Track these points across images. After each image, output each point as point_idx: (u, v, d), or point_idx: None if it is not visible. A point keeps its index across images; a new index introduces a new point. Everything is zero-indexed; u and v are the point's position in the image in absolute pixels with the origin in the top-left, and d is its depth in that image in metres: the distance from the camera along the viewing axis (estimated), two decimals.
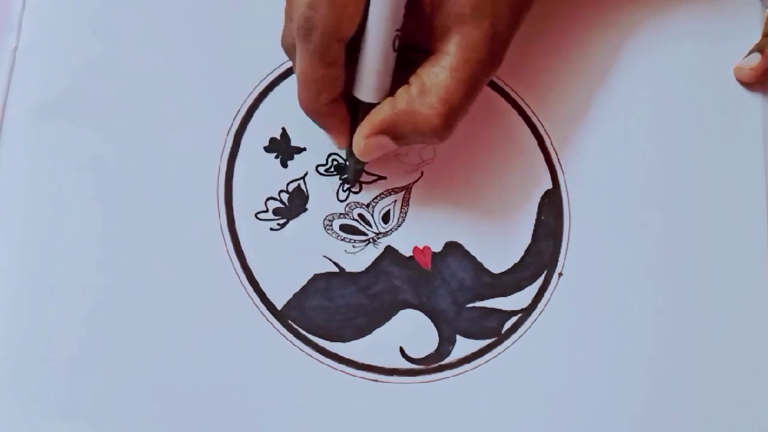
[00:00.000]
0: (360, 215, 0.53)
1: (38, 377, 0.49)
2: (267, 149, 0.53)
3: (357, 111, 0.49)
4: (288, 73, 0.54)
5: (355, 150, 0.50)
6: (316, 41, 0.46)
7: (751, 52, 0.55)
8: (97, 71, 0.53)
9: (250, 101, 0.53)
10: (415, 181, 0.53)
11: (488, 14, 0.47)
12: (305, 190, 0.53)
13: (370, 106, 0.49)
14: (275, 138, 0.53)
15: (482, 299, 0.52)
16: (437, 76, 0.47)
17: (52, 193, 0.51)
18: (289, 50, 0.50)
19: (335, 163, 0.53)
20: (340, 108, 0.49)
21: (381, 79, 0.48)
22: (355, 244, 0.52)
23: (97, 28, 0.53)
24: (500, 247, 0.53)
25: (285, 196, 0.53)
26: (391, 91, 0.49)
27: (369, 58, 0.48)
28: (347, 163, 0.52)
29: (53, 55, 0.53)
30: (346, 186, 0.53)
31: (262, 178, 0.53)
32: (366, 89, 0.49)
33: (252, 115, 0.53)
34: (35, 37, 0.53)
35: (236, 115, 0.53)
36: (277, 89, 0.54)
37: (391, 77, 0.49)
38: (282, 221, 0.52)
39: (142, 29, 0.54)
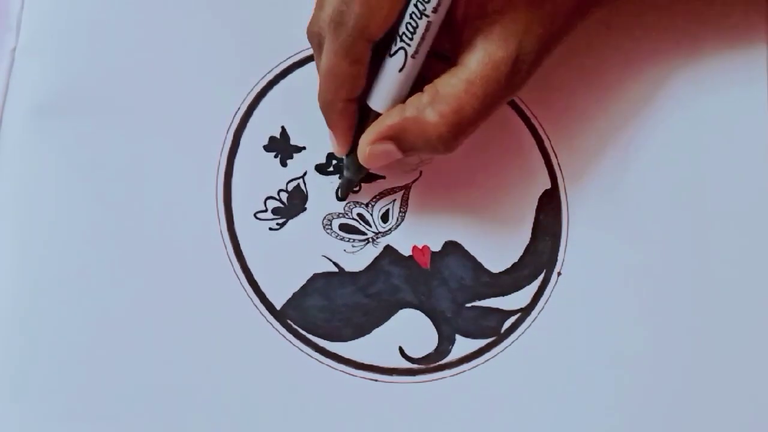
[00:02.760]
0: (359, 215, 0.53)
1: (36, 377, 0.49)
2: (266, 148, 0.53)
3: (365, 120, 0.49)
4: (287, 71, 0.54)
5: (360, 155, 0.49)
6: (344, 36, 0.46)
7: None
8: (95, 71, 0.53)
9: (249, 99, 0.53)
10: (415, 181, 0.53)
11: (517, 38, 0.47)
12: (304, 190, 0.53)
13: (378, 116, 0.48)
14: (275, 137, 0.53)
15: (481, 299, 0.52)
16: (453, 87, 0.47)
17: (50, 193, 0.51)
18: (312, 38, 0.49)
19: (335, 162, 0.53)
20: (351, 110, 0.49)
21: (398, 93, 0.48)
22: (354, 244, 0.52)
23: (95, 28, 0.53)
24: (499, 247, 0.53)
25: (284, 196, 0.52)
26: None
27: (390, 68, 0.47)
28: (343, 173, 0.52)
29: (52, 55, 0.53)
30: (337, 200, 0.53)
31: (261, 178, 0.52)
32: (380, 99, 0.48)
33: (251, 114, 0.53)
34: (34, 38, 0.53)
35: (236, 114, 0.53)
36: (276, 88, 0.54)
37: (407, 92, 0.48)
38: (281, 221, 0.52)
39: (141, 28, 0.53)
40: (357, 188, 0.53)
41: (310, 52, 0.54)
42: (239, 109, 0.53)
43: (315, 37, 0.49)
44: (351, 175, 0.51)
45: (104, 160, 0.51)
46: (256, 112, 0.53)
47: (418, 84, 0.48)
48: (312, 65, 0.54)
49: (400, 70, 0.47)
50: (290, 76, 0.54)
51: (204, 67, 0.53)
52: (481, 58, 0.47)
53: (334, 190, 0.53)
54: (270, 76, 0.54)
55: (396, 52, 0.47)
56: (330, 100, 0.49)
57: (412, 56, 0.47)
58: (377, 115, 0.49)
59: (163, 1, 0.54)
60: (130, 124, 0.52)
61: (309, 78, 0.53)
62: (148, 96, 0.53)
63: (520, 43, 0.47)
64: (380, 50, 0.48)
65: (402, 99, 0.48)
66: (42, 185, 0.51)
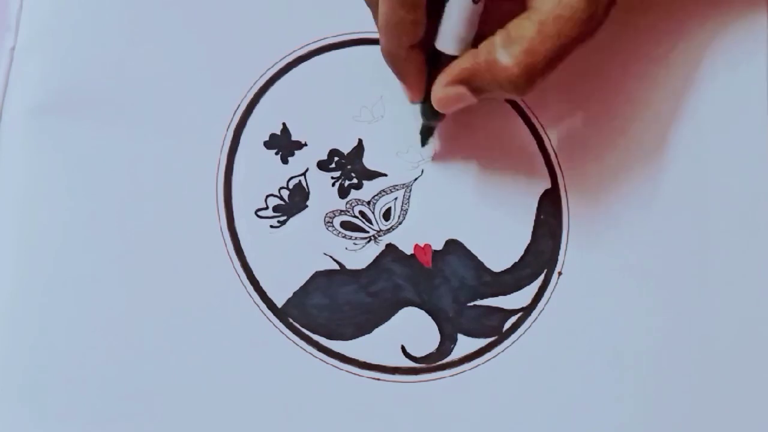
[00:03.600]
0: (361, 212, 0.53)
1: (37, 376, 0.48)
2: (267, 145, 0.53)
3: (437, 65, 0.48)
4: (289, 67, 0.53)
5: (433, 100, 0.48)
6: None
7: None
8: (94, 70, 0.52)
9: (250, 96, 0.53)
10: (416, 179, 0.53)
11: None
12: (306, 187, 0.52)
13: (451, 59, 0.48)
14: (275, 134, 0.53)
15: (483, 298, 0.52)
16: (525, 29, 0.46)
17: (50, 192, 0.50)
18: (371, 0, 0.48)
19: (336, 159, 0.53)
20: (418, 56, 0.48)
21: (464, 31, 0.47)
22: (356, 242, 0.52)
23: (94, 27, 0.53)
24: (500, 246, 0.53)
25: (285, 193, 0.52)
26: (475, 46, 0.48)
27: (454, 6, 0.47)
28: (422, 120, 0.51)
29: (51, 54, 0.52)
30: (421, 146, 0.52)
31: (262, 175, 0.52)
32: (448, 40, 0.48)
33: (252, 111, 0.53)
34: (33, 37, 0.52)
35: (236, 111, 0.53)
36: (277, 84, 0.53)
37: (475, 31, 0.48)
38: (282, 218, 0.52)
39: (140, 27, 0.53)
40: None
41: (312, 47, 0.54)
42: (239, 105, 0.53)
43: None
44: (427, 122, 0.51)
45: (104, 159, 0.51)
46: (256, 109, 0.53)
47: (489, 27, 0.48)
48: (313, 61, 0.54)
49: (464, 9, 0.47)
50: (291, 72, 0.53)
51: (204, 64, 0.53)
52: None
53: (337, 187, 0.52)
54: (271, 73, 0.53)
55: None
56: (393, 51, 0.48)
57: None
58: (448, 59, 0.48)
59: (163, 0, 0.53)
60: (129, 123, 0.52)
61: (311, 73, 0.53)
62: (148, 94, 0.52)
63: None
64: None
65: (469, 39, 0.48)
66: (41, 184, 0.50)
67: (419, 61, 0.49)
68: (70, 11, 0.53)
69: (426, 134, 0.52)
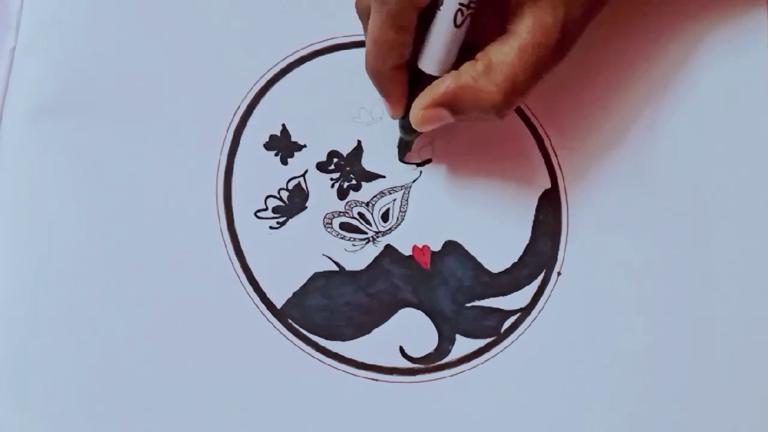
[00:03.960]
0: (360, 214, 0.53)
1: (37, 376, 0.48)
2: (267, 146, 0.53)
3: (417, 82, 0.49)
4: (288, 69, 0.54)
5: (412, 119, 0.50)
6: (391, 4, 0.47)
7: None
8: (94, 71, 0.52)
9: (250, 98, 0.53)
10: (415, 181, 0.53)
11: (564, 3, 0.48)
12: (305, 188, 0.52)
13: (432, 79, 0.49)
14: (275, 135, 0.53)
15: (481, 298, 0.52)
16: (505, 55, 0.48)
17: (50, 192, 0.51)
18: (363, 13, 0.50)
19: (335, 160, 0.53)
20: (402, 76, 0.50)
21: (447, 54, 0.48)
22: (355, 243, 0.52)
23: (94, 27, 0.53)
24: (499, 247, 0.53)
25: (285, 194, 0.52)
26: (455, 68, 0.49)
27: (438, 31, 0.48)
28: (400, 134, 0.52)
29: (51, 54, 0.52)
30: (398, 160, 0.53)
31: (261, 176, 0.52)
32: (431, 61, 0.49)
33: (252, 112, 0.53)
34: (33, 37, 0.52)
35: (236, 112, 0.53)
36: (277, 85, 0.53)
37: (456, 53, 0.49)
38: (282, 219, 0.52)
39: (141, 27, 0.53)
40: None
41: (312, 49, 0.54)
42: (239, 107, 0.53)
43: (363, 11, 0.49)
44: (405, 136, 0.52)
45: (104, 160, 0.51)
46: (256, 110, 0.53)
47: (467, 50, 0.49)
48: (313, 63, 0.54)
49: (448, 33, 0.48)
50: (291, 74, 0.54)
51: (204, 65, 0.53)
52: (531, 25, 0.47)
53: (336, 188, 0.53)
54: (271, 74, 0.54)
55: (442, 15, 0.48)
56: (379, 69, 0.49)
57: (462, 15, 0.47)
58: (429, 77, 0.49)
59: (163, 0, 0.54)
60: (129, 123, 0.52)
61: (310, 75, 0.54)
62: (148, 94, 0.52)
63: (567, 7, 0.48)
64: (425, 16, 0.48)
65: (451, 61, 0.49)
66: (42, 184, 0.51)
67: (402, 79, 0.50)
68: (70, 11, 0.53)
69: (403, 148, 0.53)
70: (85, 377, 0.49)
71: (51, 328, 0.49)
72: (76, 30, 0.53)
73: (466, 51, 0.49)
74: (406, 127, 0.51)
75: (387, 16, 0.47)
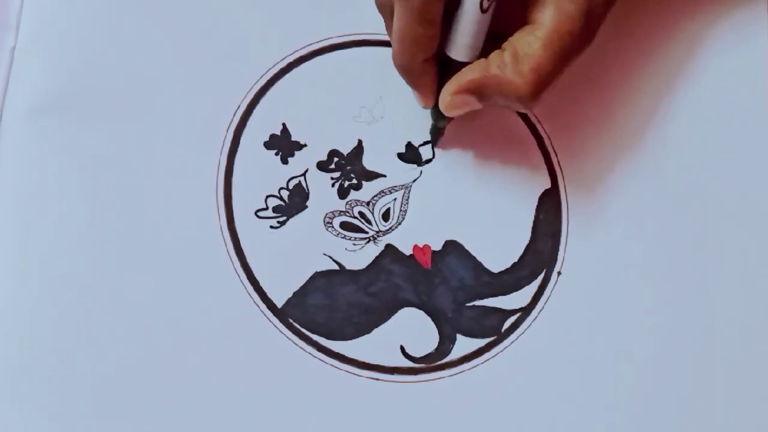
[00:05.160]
0: (360, 213, 0.53)
1: (37, 377, 0.48)
2: (267, 145, 0.53)
3: (446, 69, 0.50)
4: (289, 68, 0.54)
5: (441, 105, 0.50)
6: (416, 0, 0.46)
7: None
8: (95, 70, 0.52)
9: (250, 97, 0.53)
10: (415, 180, 0.53)
11: None
12: (306, 187, 0.52)
13: (460, 65, 0.49)
14: (275, 134, 0.53)
15: (482, 298, 0.52)
16: (530, 45, 0.48)
17: (50, 192, 0.50)
18: (384, 8, 0.49)
19: (336, 160, 0.53)
20: (431, 68, 0.50)
21: (474, 39, 0.49)
22: (356, 242, 0.52)
23: (94, 26, 0.53)
24: (499, 246, 0.53)
25: (285, 194, 0.52)
26: (483, 55, 0.49)
27: (465, 17, 0.48)
28: (432, 121, 0.52)
29: (51, 54, 0.52)
30: (432, 146, 0.53)
31: (262, 175, 0.52)
32: (459, 49, 0.49)
33: (252, 111, 0.53)
34: (33, 37, 0.52)
35: (236, 111, 0.53)
36: (277, 84, 0.53)
37: (484, 38, 0.49)
38: (282, 219, 0.52)
39: (141, 26, 0.53)
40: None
41: (312, 48, 0.54)
42: (239, 106, 0.53)
43: (385, 7, 0.49)
44: (436, 123, 0.52)
45: (104, 159, 0.51)
46: (256, 110, 0.53)
47: (492, 38, 0.49)
48: (313, 62, 0.54)
49: (474, 18, 0.48)
50: (291, 73, 0.53)
51: (204, 64, 0.53)
52: (554, 14, 0.48)
53: (336, 188, 0.53)
54: (271, 74, 0.53)
55: (467, 2, 0.48)
56: (408, 64, 0.49)
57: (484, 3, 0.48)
58: (458, 64, 0.49)
59: (163, 1, 0.53)
60: (129, 123, 0.52)
61: (311, 74, 0.53)
62: (148, 94, 0.52)
63: None
64: (450, 5, 0.48)
65: (479, 46, 0.49)
66: (41, 184, 0.50)
67: (432, 71, 0.50)
68: (70, 11, 0.53)
69: (436, 134, 0.53)
70: (84, 376, 0.49)
71: (50, 328, 0.49)
72: (76, 30, 0.53)
73: (491, 39, 0.49)
74: (436, 114, 0.51)
75: (412, 11, 0.47)
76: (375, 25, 0.52)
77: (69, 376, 0.48)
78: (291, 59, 0.54)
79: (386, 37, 0.51)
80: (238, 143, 0.52)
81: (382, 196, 0.53)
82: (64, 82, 0.52)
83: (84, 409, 0.48)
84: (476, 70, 0.49)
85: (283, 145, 0.53)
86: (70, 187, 0.51)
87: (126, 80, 0.52)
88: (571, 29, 0.48)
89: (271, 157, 0.53)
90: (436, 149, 0.54)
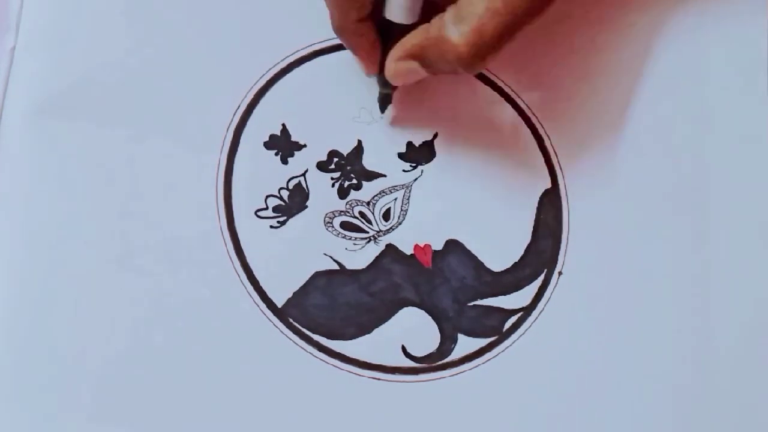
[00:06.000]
0: (361, 213, 0.52)
1: (39, 376, 0.48)
2: (267, 146, 0.53)
3: (389, 36, 0.49)
4: (289, 69, 0.53)
5: (387, 73, 0.49)
6: None
7: None
8: (95, 70, 0.52)
9: (250, 97, 0.53)
10: (416, 179, 0.53)
11: None
12: (306, 187, 0.52)
13: (403, 30, 0.48)
14: (275, 134, 0.53)
15: (483, 298, 0.52)
16: (474, 6, 0.45)
17: (50, 192, 0.50)
18: None
19: (336, 160, 0.53)
20: (369, 30, 0.49)
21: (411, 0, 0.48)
22: (356, 242, 0.52)
23: (94, 27, 0.52)
24: (500, 246, 0.53)
25: (285, 194, 0.52)
26: (428, 19, 0.48)
27: None
28: (379, 89, 0.52)
29: (51, 54, 0.52)
30: (379, 115, 0.52)
31: (262, 176, 0.52)
32: (396, 9, 0.48)
33: (252, 112, 0.53)
34: (33, 37, 0.52)
35: (236, 112, 0.53)
36: (277, 85, 0.53)
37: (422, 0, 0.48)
38: (282, 219, 0.52)
39: (140, 27, 0.53)
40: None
41: (312, 49, 0.54)
42: (239, 107, 0.53)
43: None
44: (383, 90, 0.51)
45: (104, 160, 0.51)
46: (256, 110, 0.53)
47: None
48: (313, 62, 0.54)
49: None
50: (291, 73, 0.53)
51: (204, 65, 0.53)
52: None
53: (336, 188, 0.52)
54: (271, 74, 0.53)
55: None
56: (343, 25, 0.48)
57: None
58: (400, 30, 0.48)
59: (163, 1, 0.53)
60: (129, 123, 0.51)
61: (311, 75, 0.53)
62: (148, 94, 0.52)
63: None
64: None
65: (417, 9, 0.48)
66: (41, 184, 0.50)
67: (370, 33, 0.49)
68: (70, 11, 0.53)
69: (384, 102, 0.52)
70: (84, 375, 0.48)
71: (50, 328, 0.49)
72: (76, 30, 0.52)
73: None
74: (382, 81, 0.51)
75: None
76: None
77: (69, 374, 0.48)
78: (292, 59, 0.54)
79: None
80: (238, 143, 0.52)
81: (383, 195, 0.53)
82: (64, 82, 0.52)
83: (83, 408, 0.48)
84: (418, 34, 0.47)
85: (283, 145, 0.53)
86: (71, 188, 0.50)
87: (125, 80, 0.52)
88: None
89: (271, 157, 0.52)
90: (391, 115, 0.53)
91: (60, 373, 0.48)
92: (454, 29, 0.46)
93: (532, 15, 0.46)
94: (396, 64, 0.48)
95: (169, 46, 0.53)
